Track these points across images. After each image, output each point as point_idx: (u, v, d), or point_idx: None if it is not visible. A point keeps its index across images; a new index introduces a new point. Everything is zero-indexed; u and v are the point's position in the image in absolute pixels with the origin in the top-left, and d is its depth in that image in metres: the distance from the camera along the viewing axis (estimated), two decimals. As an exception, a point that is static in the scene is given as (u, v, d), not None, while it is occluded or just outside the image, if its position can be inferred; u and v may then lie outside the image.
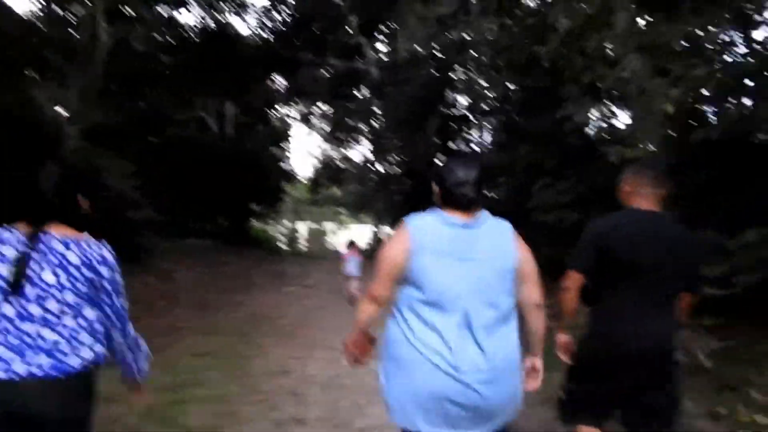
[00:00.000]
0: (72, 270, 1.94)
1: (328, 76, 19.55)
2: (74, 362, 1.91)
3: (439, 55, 18.28)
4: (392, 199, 30.26)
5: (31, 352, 1.87)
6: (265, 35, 15.71)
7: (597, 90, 8.36)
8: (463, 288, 2.16)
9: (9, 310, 1.89)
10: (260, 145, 23.40)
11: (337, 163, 34.23)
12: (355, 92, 25.14)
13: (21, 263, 1.91)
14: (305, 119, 30.00)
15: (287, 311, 9.11)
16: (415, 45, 18.05)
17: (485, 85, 16.94)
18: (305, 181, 37.71)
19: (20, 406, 1.85)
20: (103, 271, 2.01)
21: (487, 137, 20.05)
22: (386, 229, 33.59)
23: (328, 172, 34.07)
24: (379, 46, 20.26)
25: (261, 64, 14.09)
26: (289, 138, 29.25)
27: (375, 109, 28.10)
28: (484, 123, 19.92)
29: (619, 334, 2.66)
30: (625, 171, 2.94)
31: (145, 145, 16.33)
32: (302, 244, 40.43)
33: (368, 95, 24.11)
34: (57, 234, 1.99)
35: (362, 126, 30.54)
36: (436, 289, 2.17)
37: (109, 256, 2.05)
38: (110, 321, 2.07)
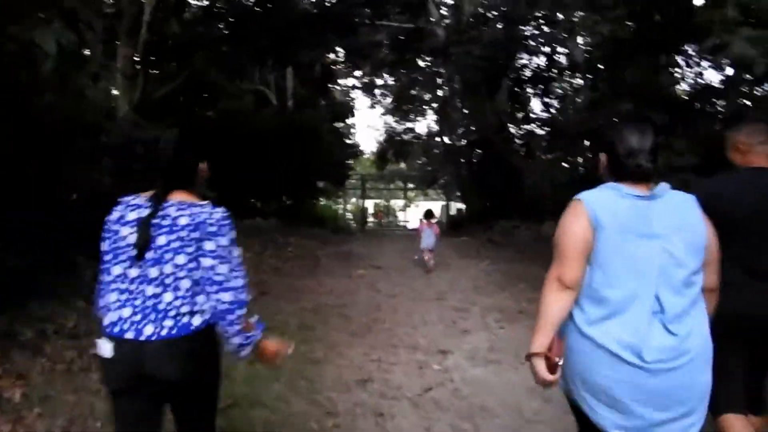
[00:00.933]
0: (182, 233, 1.98)
1: (387, 41, 18.09)
2: (195, 321, 1.97)
3: (508, 9, 16.54)
4: (461, 172, 28.76)
5: (155, 314, 1.94)
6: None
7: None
8: (651, 269, 1.92)
9: (134, 273, 1.98)
10: (323, 119, 22.40)
11: (402, 136, 32.89)
12: (418, 60, 23.59)
13: (142, 228, 1.98)
14: (368, 90, 28.64)
15: (358, 299, 7.87)
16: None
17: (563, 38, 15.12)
18: (371, 157, 36.73)
19: (150, 368, 1.92)
20: (207, 230, 2.00)
21: (571, 99, 18.15)
22: (457, 205, 32.26)
23: (393, 146, 32.76)
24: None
25: (317, 25, 12.76)
26: (353, 111, 28.04)
27: (440, 76, 26.70)
28: (563, 83, 18.04)
29: (742, 304, 2.44)
30: (735, 127, 2.76)
31: (196, 118, 15.46)
32: (370, 221, 39.63)
33: (431, 61, 22.48)
34: (174, 199, 2.04)
35: (427, 96, 29.10)
36: (621, 271, 1.93)
37: (219, 216, 2.04)
38: (213, 284, 2.01)
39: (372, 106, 30.15)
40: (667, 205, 2.01)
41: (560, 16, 15.78)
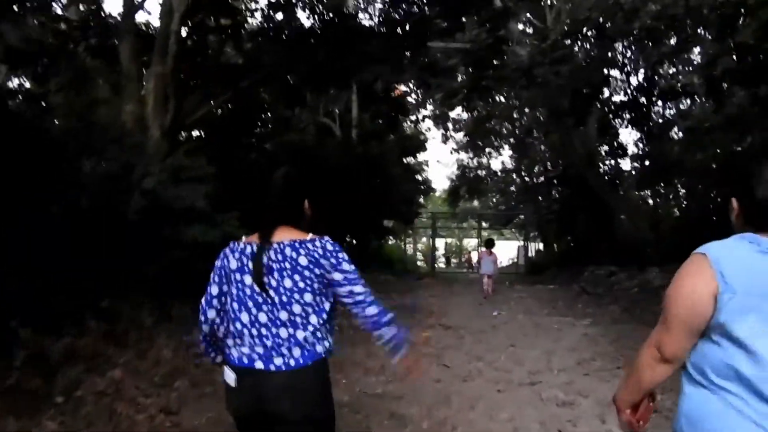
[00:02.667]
0: (305, 272, 1.98)
1: (462, 63, 15.99)
2: (319, 349, 2.00)
3: (603, 23, 14.18)
4: (541, 210, 26.13)
5: (286, 348, 1.95)
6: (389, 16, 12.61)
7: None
8: None
9: (263, 318, 1.99)
10: (391, 153, 20.55)
11: (476, 172, 30.69)
12: (494, 89, 21.35)
13: (256, 273, 1.99)
14: (440, 123, 26.67)
15: (419, 383, 5.64)
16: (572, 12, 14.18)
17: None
18: (442, 194, 34.58)
19: (272, 398, 1.94)
20: (327, 264, 2.01)
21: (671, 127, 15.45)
22: (536, 245, 29.48)
23: (466, 182, 30.54)
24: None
25: (383, 38, 10.88)
26: (425, 146, 26.08)
27: (517, 108, 24.40)
28: (665, 108, 15.37)
29: None
30: None
31: (245, 150, 13.87)
32: (442, 263, 37.23)
33: (509, 89, 20.17)
34: (286, 240, 2.04)
35: (504, 128, 26.83)
36: (763, 347, 1.43)
37: (331, 248, 2.04)
38: (357, 305, 2.06)
39: (444, 141, 28.06)
40: None
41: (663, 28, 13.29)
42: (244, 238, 2.13)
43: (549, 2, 14.75)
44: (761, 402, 1.46)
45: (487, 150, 29.92)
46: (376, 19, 12.18)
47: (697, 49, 15.01)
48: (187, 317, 6.50)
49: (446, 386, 5.54)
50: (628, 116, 16.19)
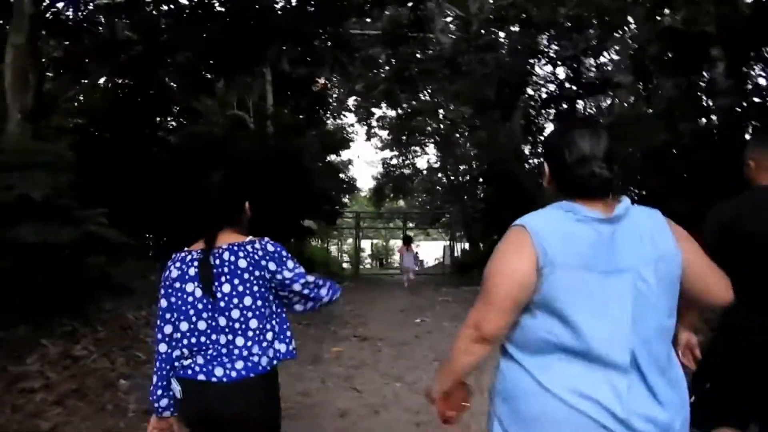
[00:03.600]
0: (245, 275, 1.93)
1: (383, 47, 14.91)
2: (264, 362, 1.93)
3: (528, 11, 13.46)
4: (467, 209, 25.51)
5: (227, 358, 1.90)
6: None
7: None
8: (622, 315, 1.43)
9: (202, 326, 1.94)
10: (312, 149, 19.21)
11: (402, 170, 29.79)
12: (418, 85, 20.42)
13: (205, 280, 1.93)
14: (363, 119, 25.54)
15: (317, 415, 4.42)
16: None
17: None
18: (367, 194, 33.52)
19: (218, 408, 1.89)
20: (271, 265, 1.97)
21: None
22: (462, 245, 28.86)
23: (392, 181, 29.58)
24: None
25: (293, 14, 9.59)
26: (348, 143, 24.90)
27: (441, 106, 23.64)
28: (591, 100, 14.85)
29: (757, 329, 2.29)
30: (749, 144, 2.56)
31: (143, 141, 12.29)
32: (368, 264, 36.17)
33: (434, 86, 19.28)
34: (225, 243, 1.98)
35: (429, 126, 26.03)
36: (588, 323, 1.41)
37: (272, 248, 1.99)
38: (306, 301, 2.06)
39: (368, 138, 26.96)
40: (632, 228, 1.50)
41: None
42: (185, 248, 2.07)
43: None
44: (575, 377, 1.41)
45: (413, 148, 29.04)
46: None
47: (622, 40, 14.57)
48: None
49: (353, 422, 4.34)
50: (553, 110, 15.54)
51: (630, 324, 1.42)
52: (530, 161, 17.57)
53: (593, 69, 14.87)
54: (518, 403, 1.48)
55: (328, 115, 24.16)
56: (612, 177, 1.49)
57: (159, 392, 2.01)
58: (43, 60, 8.13)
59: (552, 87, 15.33)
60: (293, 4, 10.52)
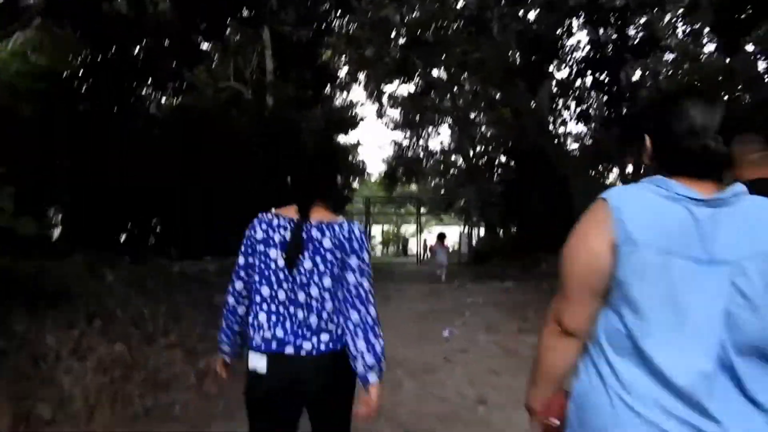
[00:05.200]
0: (327, 255, 1.89)
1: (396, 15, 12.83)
2: (344, 338, 1.90)
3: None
4: (483, 193, 23.46)
5: (309, 332, 1.89)
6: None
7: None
8: (713, 309, 1.17)
9: (282, 296, 1.91)
10: (319, 130, 17.22)
11: (414, 152, 27.71)
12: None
13: (290, 250, 1.89)
14: (374, 96, 23.45)
15: None
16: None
17: None
18: (378, 179, 31.44)
19: (304, 380, 1.87)
20: (348, 247, 1.91)
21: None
22: (479, 231, 26.81)
23: (404, 164, 27.54)
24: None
25: None
26: (357, 122, 22.86)
27: (458, 82, 21.45)
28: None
29: None
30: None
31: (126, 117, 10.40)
32: (377, 252, 34.30)
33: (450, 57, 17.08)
34: (314, 220, 1.94)
35: (444, 103, 23.90)
36: (668, 313, 1.18)
37: (358, 233, 1.96)
38: (350, 300, 1.91)
39: (379, 116, 24.86)
40: (741, 216, 1.21)
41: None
42: (273, 209, 2.01)
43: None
44: (643, 382, 1.19)
45: (426, 128, 26.95)
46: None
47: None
48: None
49: None
50: (590, 78, 13.39)
51: (720, 327, 1.16)
52: (560, 137, 15.43)
53: (641, 28, 12.67)
54: (588, 411, 1.26)
55: (335, 92, 22.17)
56: (728, 153, 1.25)
57: (224, 340, 2.11)
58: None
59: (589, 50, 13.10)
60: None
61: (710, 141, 1.24)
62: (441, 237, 16.03)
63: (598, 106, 14.84)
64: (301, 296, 1.88)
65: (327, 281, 1.88)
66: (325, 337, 1.88)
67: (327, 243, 1.89)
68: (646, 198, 1.24)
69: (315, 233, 1.90)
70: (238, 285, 2.01)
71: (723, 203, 1.21)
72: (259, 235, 1.94)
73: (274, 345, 1.88)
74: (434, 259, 15.32)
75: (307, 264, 1.87)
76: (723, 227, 1.19)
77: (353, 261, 1.90)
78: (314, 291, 1.87)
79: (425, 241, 30.65)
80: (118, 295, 6.12)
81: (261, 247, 1.92)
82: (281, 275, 1.89)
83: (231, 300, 2.04)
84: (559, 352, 1.34)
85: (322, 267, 1.87)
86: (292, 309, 1.88)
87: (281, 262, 1.89)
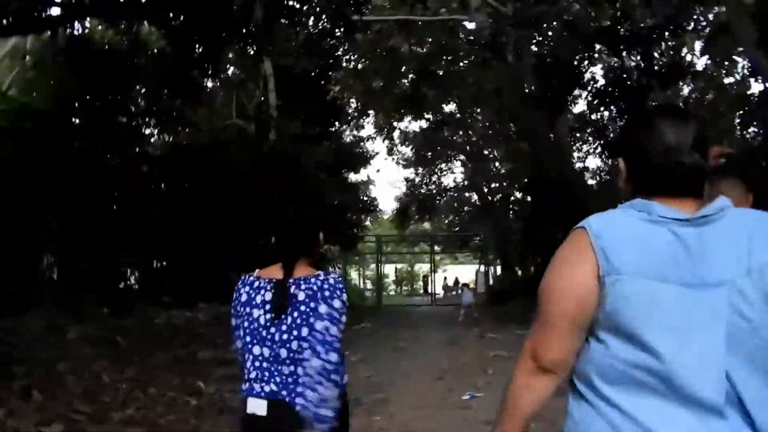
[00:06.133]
0: (302, 307, 1.95)
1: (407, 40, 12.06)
2: (324, 390, 1.92)
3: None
4: (500, 230, 22.44)
5: (284, 387, 1.93)
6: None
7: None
8: (713, 340, 1.09)
9: (266, 353, 1.97)
10: (326, 165, 16.38)
11: (427, 189, 26.82)
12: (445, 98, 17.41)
13: (274, 309, 1.97)
14: (384, 132, 22.75)
15: None
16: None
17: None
18: (390, 216, 30.47)
19: (274, 426, 1.94)
20: (325, 294, 1.95)
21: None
22: (494, 270, 25.61)
23: (416, 201, 26.60)
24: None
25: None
26: (368, 159, 22.11)
27: (470, 117, 20.70)
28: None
29: None
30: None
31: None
32: (391, 291, 33.12)
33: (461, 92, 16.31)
34: (294, 277, 1.99)
35: (457, 138, 23.13)
36: (667, 349, 1.09)
37: (333, 282, 1.98)
38: (312, 344, 1.92)
39: (389, 153, 24.09)
40: (729, 232, 1.14)
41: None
42: (257, 271, 2.08)
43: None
44: (661, 418, 1.10)
45: (439, 164, 26.13)
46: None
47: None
48: None
49: None
50: (614, 108, 12.46)
51: (723, 352, 1.08)
52: (584, 169, 14.44)
53: (668, 53, 11.75)
54: None
55: (344, 128, 21.45)
56: (705, 165, 1.21)
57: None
58: None
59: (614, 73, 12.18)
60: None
61: (685, 157, 1.17)
62: (458, 283, 16.83)
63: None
64: (283, 352, 1.94)
65: (304, 331, 1.94)
66: (310, 393, 1.90)
67: (301, 296, 1.95)
68: (627, 223, 1.17)
69: (293, 290, 1.97)
70: (239, 344, 2.08)
71: (708, 221, 1.15)
72: (243, 297, 2.04)
73: (263, 394, 1.94)
74: (461, 300, 15.53)
75: (288, 320, 1.94)
76: (711, 246, 1.13)
77: (322, 308, 1.95)
78: (294, 344, 1.94)
79: (445, 278, 29.61)
80: (77, 357, 5.13)
81: (246, 309, 2.01)
82: (264, 333, 1.96)
83: (241, 358, 2.10)
84: (534, 390, 1.22)
85: (299, 320, 1.94)
86: (277, 366, 1.95)
87: (263, 320, 1.97)
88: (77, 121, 10.45)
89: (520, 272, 21.61)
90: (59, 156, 8.95)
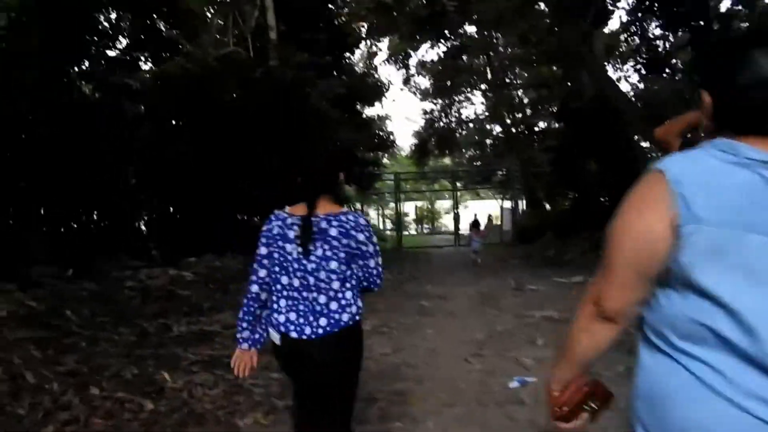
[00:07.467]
0: (334, 242, 2.01)
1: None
2: (345, 318, 2.06)
3: None
4: (526, 163, 20.68)
5: (313, 316, 2.03)
6: None
7: None
8: None
9: (296, 282, 2.05)
10: (336, 98, 14.63)
11: (447, 121, 24.95)
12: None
13: (303, 243, 2.01)
14: (399, 61, 20.80)
15: None
16: None
17: None
18: (408, 153, 28.73)
19: (308, 356, 2.04)
20: (360, 236, 2.04)
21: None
22: (520, 205, 23.96)
23: (435, 135, 24.80)
24: None
25: None
26: (383, 92, 20.22)
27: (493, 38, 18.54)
28: None
29: None
30: None
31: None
32: (411, 230, 31.81)
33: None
34: (322, 213, 2.04)
35: (479, 63, 21.06)
36: (749, 305, 0.96)
37: (363, 222, 2.08)
38: (367, 279, 2.11)
39: (405, 83, 22.15)
40: None
41: None
42: (287, 208, 2.11)
43: None
44: (745, 374, 0.98)
45: (458, 94, 24.14)
46: None
47: None
48: None
49: None
50: (665, 11, 10.44)
51: None
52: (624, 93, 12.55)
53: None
54: (669, 406, 1.05)
55: (355, 58, 19.49)
56: None
57: (243, 325, 2.15)
58: None
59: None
60: None
61: None
62: (475, 224, 14.67)
63: (672, 49, 11.83)
64: (311, 280, 2.01)
65: (333, 264, 2.00)
66: (323, 321, 2.02)
67: (333, 232, 2.00)
68: (710, 166, 1.01)
69: (323, 225, 2.01)
70: (262, 273, 2.11)
71: None
72: (275, 230, 2.07)
73: (284, 327, 2.04)
74: (471, 245, 14.41)
75: (318, 252, 2.00)
76: None
77: (370, 248, 2.05)
78: (322, 275, 2.01)
79: (475, 215, 28.39)
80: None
81: (279, 242, 2.05)
82: (295, 265, 2.02)
83: (255, 288, 2.13)
84: (594, 336, 1.15)
85: (329, 253, 2.00)
86: (305, 293, 2.03)
87: (295, 254, 2.02)
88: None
89: (549, 207, 19.99)
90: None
